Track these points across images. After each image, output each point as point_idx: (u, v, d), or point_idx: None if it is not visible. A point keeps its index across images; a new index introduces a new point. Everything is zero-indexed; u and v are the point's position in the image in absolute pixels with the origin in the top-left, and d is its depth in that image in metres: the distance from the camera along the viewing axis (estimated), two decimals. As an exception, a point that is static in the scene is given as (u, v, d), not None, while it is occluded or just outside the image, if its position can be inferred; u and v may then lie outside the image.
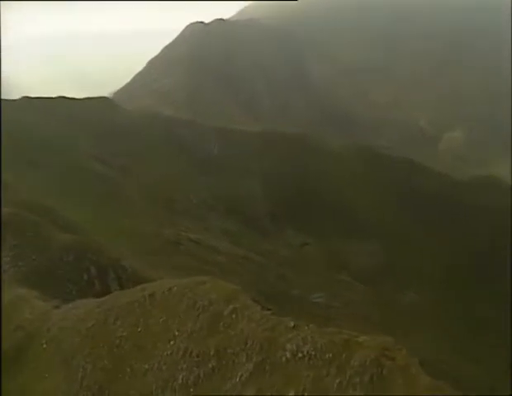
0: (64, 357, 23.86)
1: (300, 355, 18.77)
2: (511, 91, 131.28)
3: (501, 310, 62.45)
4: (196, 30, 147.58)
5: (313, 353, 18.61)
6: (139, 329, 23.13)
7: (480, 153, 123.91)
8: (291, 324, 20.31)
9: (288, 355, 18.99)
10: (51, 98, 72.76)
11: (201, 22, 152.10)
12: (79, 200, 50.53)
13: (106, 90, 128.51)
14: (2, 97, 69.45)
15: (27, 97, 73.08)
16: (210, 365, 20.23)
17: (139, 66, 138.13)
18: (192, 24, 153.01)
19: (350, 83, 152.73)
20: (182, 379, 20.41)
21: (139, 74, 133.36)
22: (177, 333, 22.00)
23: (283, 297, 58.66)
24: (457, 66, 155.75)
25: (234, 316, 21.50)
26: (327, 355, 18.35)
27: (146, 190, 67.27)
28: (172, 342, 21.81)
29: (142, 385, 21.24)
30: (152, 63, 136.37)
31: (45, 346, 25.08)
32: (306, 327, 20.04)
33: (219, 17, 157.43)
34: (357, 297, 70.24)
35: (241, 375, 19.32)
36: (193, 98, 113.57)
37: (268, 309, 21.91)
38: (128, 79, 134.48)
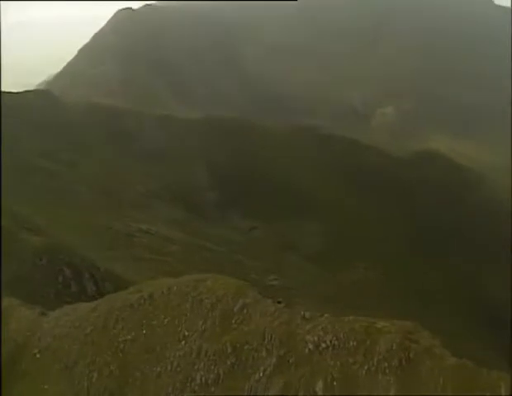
0: (64, 366, 23.01)
1: (323, 345, 19.02)
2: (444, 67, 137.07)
3: (453, 283, 65.96)
4: (124, 17, 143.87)
5: (336, 343, 18.90)
6: (143, 331, 22.64)
7: (412, 128, 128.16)
8: (307, 315, 20.52)
9: (311, 346, 19.19)
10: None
11: (130, 8, 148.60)
12: (31, 199, 48.49)
13: (35, 80, 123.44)
14: None
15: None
16: (228, 363, 20.11)
17: (68, 55, 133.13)
18: (120, 10, 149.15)
19: (281, 64, 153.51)
20: (201, 379, 20.19)
21: (70, 63, 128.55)
22: (187, 333, 21.70)
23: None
24: (386, 43, 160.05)
25: (245, 311, 21.45)
26: (351, 344, 18.69)
27: (93, 183, 65.54)
28: (183, 342, 21.51)
29: (157, 388, 20.87)
30: (82, 52, 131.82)
31: (38, 356, 24.07)
32: (322, 318, 20.33)
33: (147, 2, 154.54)
34: (310, 277, 71.70)
35: (264, 370, 19.36)
36: (126, 86, 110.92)
37: (279, 302, 22.00)
38: (58, 69, 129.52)
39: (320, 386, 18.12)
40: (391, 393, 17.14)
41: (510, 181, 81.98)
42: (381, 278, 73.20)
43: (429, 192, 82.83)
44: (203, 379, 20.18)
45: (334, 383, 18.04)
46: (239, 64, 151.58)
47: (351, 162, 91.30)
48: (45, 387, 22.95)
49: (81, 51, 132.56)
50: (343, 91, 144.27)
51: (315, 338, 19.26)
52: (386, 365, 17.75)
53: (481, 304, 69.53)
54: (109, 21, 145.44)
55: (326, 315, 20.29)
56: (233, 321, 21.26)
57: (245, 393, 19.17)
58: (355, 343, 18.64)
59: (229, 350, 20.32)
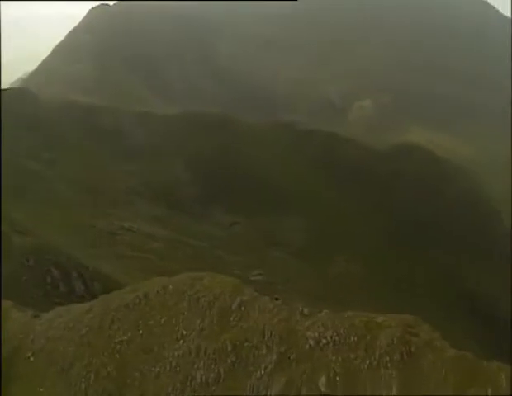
0: (60, 369, 22.74)
1: (324, 341, 19.13)
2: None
3: (433, 275, 66.84)
4: (99, 14, 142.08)
5: (337, 338, 19.02)
6: (140, 332, 22.48)
7: (390, 122, 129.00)
8: (306, 311, 20.60)
9: (312, 342, 19.29)
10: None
11: (106, 5, 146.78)
12: (13, 198, 47.69)
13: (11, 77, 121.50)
14: None
15: None
16: (229, 361, 20.09)
17: (44, 52, 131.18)
18: (94, 8, 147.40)
19: (259, 60, 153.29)
20: (201, 378, 20.13)
21: (46, 61, 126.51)
22: (184, 332, 21.61)
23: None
24: (364, 37, 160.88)
25: (243, 309, 21.45)
26: (352, 339, 18.84)
27: (73, 181, 64.81)
28: (181, 342, 21.42)
29: (156, 389, 20.75)
30: (57, 50, 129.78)
31: (32, 358, 23.74)
32: (321, 313, 20.43)
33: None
34: (293, 272, 71.88)
35: (265, 367, 19.39)
36: (103, 83, 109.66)
37: (276, 299, 22.05)
38: (33, 66, 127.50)
39: (322, 382, 18.24)
40: (394, 387, 17.33)
41: (488, 172, 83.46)
42: (362, 272, 73.70)
43: (407, 185, 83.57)
44: (203, 378, 20.13)
45: (337, 378, 18.17)
46: (217, 61, 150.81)
47: (330, 157, 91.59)
48: (41, 390, 22.67)
49: (56, 49, 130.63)
50: (321, 86, 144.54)
51: (316, 334, 19.37)
52: (388, 359, 17.94)
53: (461, 295, 70.55)
54: (84, 19, 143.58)
55: (325, 311, 20.40)
56: (231, 319, 21.24)
57: (247, 391, 19.18)
58: (356, 338, 18.79)
59: (229, 348, 20.30)
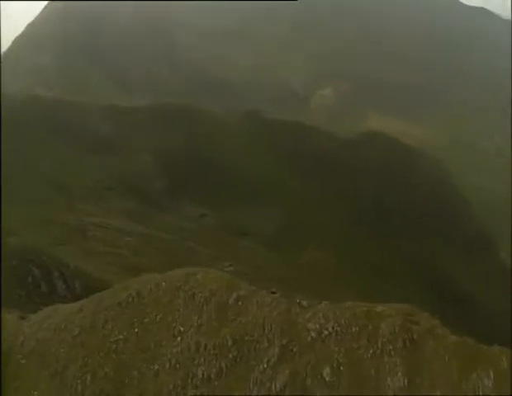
0: (54, 371, 22.27)
1: (326, 332, 19.33)
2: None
3: (398, 262, 68.11)
4: (58, 6, 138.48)
5: (338, 329, 19.25)
6: (135, 330, 22.20)
7: (350, 109, 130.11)
8: (305, 303, 20.75)
9: (313, 334, 19.47)
10: None
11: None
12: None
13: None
14: None
15: None
16: (230, 356, 20.08)
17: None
18: (53, 2, 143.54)
19: (218, 50, 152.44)
20: (203, 374, 20.05)
21: (5, 54, 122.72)
22: (182, 329, 21.47)
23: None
24: (324, 26, 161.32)
25: (240, 303, 21.46)
26: (354, 329, 19.10)
27: (41, 178, 63.41)
28: (179, 339, 21.27)
29: (156, 387, 20.56)
30: (17, 43, 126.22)
31: (23, 361, 23.21)
32: (321, 305, 20.62)
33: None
34: (264, 261, 72.19)
35: (268, 360, 19.46)
36: (64, 76, 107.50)
37: (273, 293, 22.11)
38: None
39: (327, 372, 18.46)
40: (399, 374, 17.66)
41: (450, 157, 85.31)
42: (330, 260, 74.43)
43: (370, 172, 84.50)
44: (205, 373, 20.04)
45: (341, 368, 18.40)
46: (174, 52, 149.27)
47: (294, 145, 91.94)
48: (35, 393, 22.18)
49: (15, 41, 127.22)
50: (282, 74, 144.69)
51: (317, 326, 19.55)
52: (391, 347, 18.27)
53: (428, 281, 72.09)
54: (43, 11, 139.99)
55: (325, 302, 20.59)
56: (229, 313, 21.20)
57: (251, 384, 19.24)
58: (357, 328, 19.06)
59: (230, 343, 20.27)
